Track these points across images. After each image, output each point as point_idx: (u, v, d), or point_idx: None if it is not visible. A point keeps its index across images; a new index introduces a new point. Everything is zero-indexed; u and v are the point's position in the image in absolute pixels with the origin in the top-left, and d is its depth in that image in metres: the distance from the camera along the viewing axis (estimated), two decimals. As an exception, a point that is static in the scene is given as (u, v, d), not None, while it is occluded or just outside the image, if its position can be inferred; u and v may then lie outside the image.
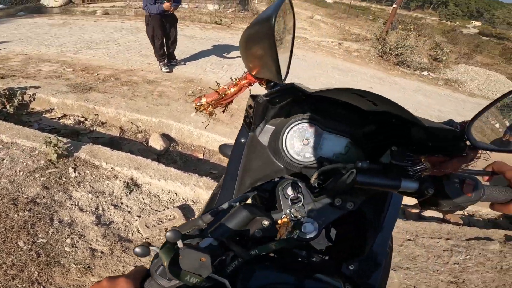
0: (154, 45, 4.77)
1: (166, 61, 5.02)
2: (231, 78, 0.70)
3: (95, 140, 3.24)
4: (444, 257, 2.29)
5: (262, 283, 0.57)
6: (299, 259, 0.72)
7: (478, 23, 17.92)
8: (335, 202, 0.66)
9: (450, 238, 2.49)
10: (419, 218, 3.14)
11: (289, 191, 0.67)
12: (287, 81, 0.71)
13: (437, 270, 2.18)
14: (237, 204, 0.66)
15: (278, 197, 0.68)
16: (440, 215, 3.24)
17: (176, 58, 5.27)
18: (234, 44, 7.11)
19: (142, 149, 3.19)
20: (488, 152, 0.52)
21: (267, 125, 0.85)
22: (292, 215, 0.65)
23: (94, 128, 3.49)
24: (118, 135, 3.44)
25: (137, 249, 0.51)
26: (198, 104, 0.67)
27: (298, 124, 0.82)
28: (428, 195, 0.55)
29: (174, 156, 3.29)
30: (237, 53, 5.91)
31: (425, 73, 8.83)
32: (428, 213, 3.20)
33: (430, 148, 0.59)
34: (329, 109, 0.79)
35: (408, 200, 3.33)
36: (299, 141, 0.82)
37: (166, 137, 3.43)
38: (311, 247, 0.84)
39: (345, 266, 0.69)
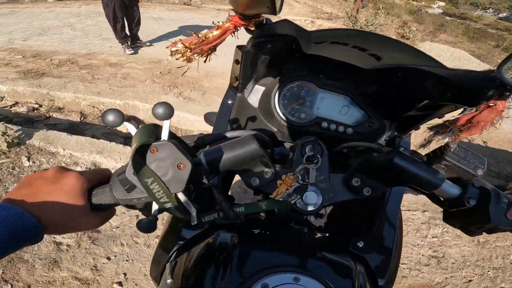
0: (116, 27, 4.41)
1: (129, 43, 4.67)
2: (213, 22, 0.61)
3: (52, 127, 2.95)
4: (423, 230, 2.28)
5: (259, 266, 0.48)
6: (299, 235, 0.63)
7: (442, 3, 18.64)
8: (353, 182, 0.56)
9: (427, 210, 2.47)
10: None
11: (308, 149, 0.56)
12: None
13: (417, 244, 2.17)
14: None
15: (294, 152, 0.57)
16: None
17: (141, 39, 4.89)
18: (204, 24, 6.76)
19: (107, 133, 3.01)
20: None
21: (256, 85, 0.80)
22: (300, 177, 0.54)
23: (51, 115, 3.18)
24: (78, 120, 3.20)
25: (107, 115, 0.38)
26: (173, 49, 0.56)
27: (292, 82, 0.76)
28: (467, 206, 0.49)
29: (144, 139, 3.09)
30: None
31: (395, 49, 8.92)
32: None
33: (449, 99, 0.54)
34: (325, 67, 0.74)
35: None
36: (293, 101, 0.77)
37: (133, 119, 3.19)
38: (309, 222, 0.77)
39: (354, 242, 0.62)
